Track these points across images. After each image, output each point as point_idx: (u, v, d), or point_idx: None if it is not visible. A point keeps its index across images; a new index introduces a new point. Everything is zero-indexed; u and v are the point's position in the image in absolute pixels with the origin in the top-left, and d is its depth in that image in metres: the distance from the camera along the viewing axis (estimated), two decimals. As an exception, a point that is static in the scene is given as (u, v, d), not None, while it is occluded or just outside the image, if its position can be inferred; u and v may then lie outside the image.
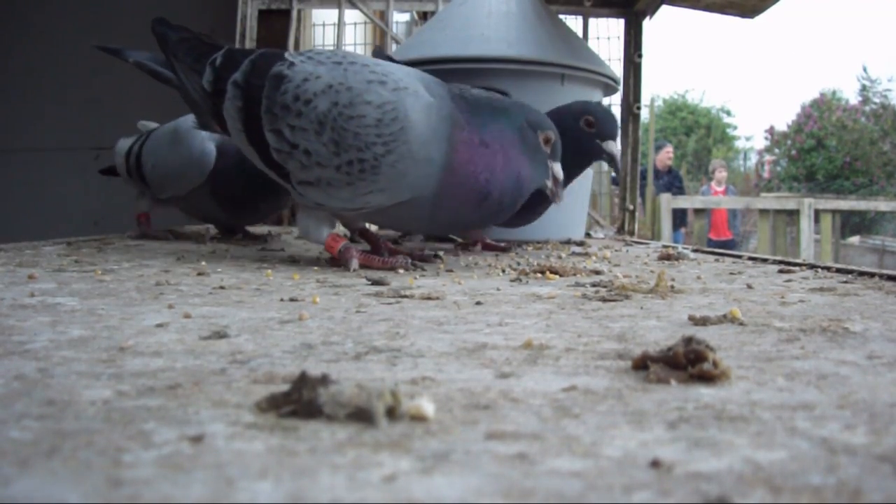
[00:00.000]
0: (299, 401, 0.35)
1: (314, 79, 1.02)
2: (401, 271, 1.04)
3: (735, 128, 19.50)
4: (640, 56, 3.01)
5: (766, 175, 16.05)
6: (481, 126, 1.04)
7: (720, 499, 0.26)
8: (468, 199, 1.05)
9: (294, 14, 2.99)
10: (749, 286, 0.92)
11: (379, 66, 1.06)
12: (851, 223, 11.21)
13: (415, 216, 1.09)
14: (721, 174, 7.54)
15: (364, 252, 1.10)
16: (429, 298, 0.77)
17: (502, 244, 1.51)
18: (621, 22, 3.05)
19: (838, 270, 1.11)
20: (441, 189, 1.03)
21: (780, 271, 1.12)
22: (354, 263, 1.05)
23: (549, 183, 1.11)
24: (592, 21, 3.06)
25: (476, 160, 1.03)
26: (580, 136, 1.33)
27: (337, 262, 1.09)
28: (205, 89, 1.08)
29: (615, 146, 1.36)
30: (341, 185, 1.01)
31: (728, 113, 19.34)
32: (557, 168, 1.11)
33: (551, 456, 0.30)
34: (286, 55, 1.07)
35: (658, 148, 6.97)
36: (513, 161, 1.06)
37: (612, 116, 1.39)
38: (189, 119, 1.51)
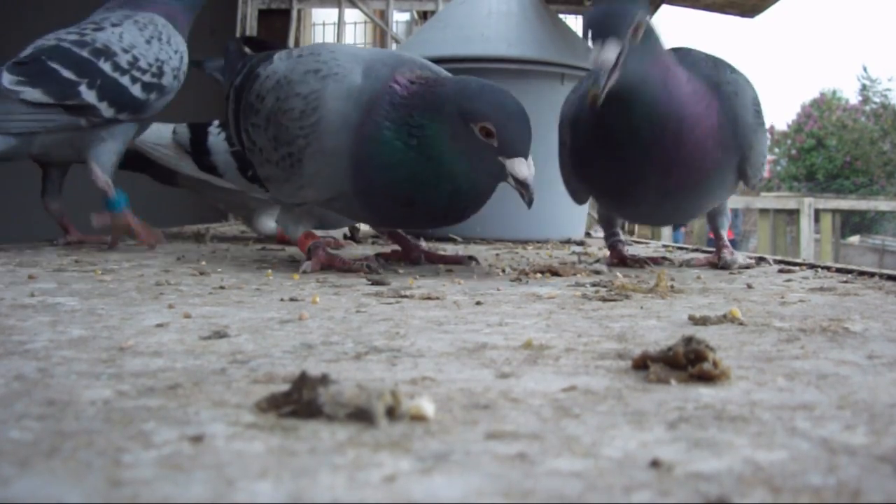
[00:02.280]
0: (299, 401, 0.35)
1: (272, 74, 1.01)
2: (363, 273, 0.98)
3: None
4: (640, 56, 3.00)
5: (766, 174, 16.04)
6: (397, 119, 0.93)
7: (720, 499, 0.26)
8: (392, 200, 0.96)
9: (294, 14, 2.99)
10: (749, 286, 0.92)
11: (333, 53, 1.01)
12: (851, 223, 11.21)
13: (357, 212, 1.05)
14: None
15: (330, 253, 1.04)
16: (429, 298, 0.77)
17: (458, 255, 1.17)
18: (621, 22, 3.04)
19: (838, 270, 1.11)
20: (358, 186, 0.96)
21: (780, 271, 1.12)
22: (306, 265, 0.99)
23: (512, 183, 0.93)
24: (592, 21, 3.06)
25: (384, 153, 0.93)
26: (475, 148, 0.93)
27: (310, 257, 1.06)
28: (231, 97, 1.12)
29: (525, 168, 0.91)
30: (281, 181, 1.01)
31: (728, 112, 19.30)
32: (518, 166, 0.91)
33: (551, 456, 0.30)
34: (276, 55, 1.06)
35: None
36: (441, 162, 0.93)
37: (521, 122, 0.93)
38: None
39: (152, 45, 1.31)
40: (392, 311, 0.68)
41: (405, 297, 0.78)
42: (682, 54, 1.07)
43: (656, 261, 1.20)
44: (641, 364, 0.45)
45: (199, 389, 0.40)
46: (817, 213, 6.93)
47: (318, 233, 1.14)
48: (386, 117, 0.93)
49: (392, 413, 0.35)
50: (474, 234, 1.82)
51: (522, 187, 0.92)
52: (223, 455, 0.30)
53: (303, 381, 0.36)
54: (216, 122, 1.62)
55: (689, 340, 0.45)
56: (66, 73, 1.21)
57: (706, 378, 0.43)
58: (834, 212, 7.42)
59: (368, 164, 0.94)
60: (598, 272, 1.06)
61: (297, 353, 0.49)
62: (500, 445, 0.32)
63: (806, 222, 6.59)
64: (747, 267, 1.16)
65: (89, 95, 1.23)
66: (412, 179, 0.93)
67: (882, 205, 8.85)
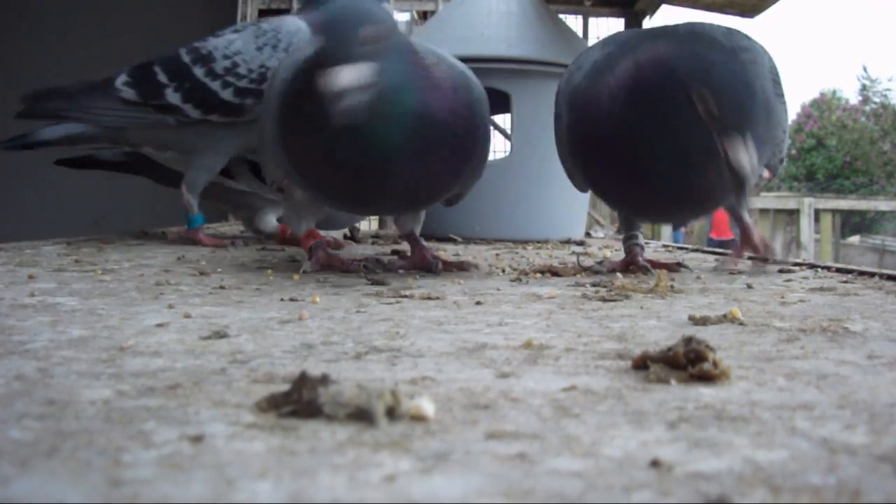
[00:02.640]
0: (299, 401, 0.35)
1: None
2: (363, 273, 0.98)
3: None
4: (640, 55, 3.00)
5: (765, 174, 16.02)
6: None
7: (720, 499, 0.26)
8: None
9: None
10: (749, 286, 0.92)
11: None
12: (851, 223, 11.22)
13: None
14: None
15: (329, 253, 1.05)
16: (429, 298, 0.77)
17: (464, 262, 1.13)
18: (621, 21, 3.05)
19: (838, 270, 1.11)
20: None
21: (780, 271, 1.12)
22: (307, 265, 1.00)
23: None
24: (592, 21, 3.06)
25: None
26: None
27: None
28: None
29: None
30: None
31: (728, 112, 19.31)
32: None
33: (551, 456, 0.30)
34: None
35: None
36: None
37: None
38: None
39: (262, 52, 1.38)
40: (392, 311, 0.68)
41: (405, 296, 0.78)
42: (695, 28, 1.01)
43: (671, 267, 1.11)
44: (641, 364, 0.45)
45: (199, 389, 0.40)
46: (817, 213, 6.94)
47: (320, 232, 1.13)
48: None
49: (392, 413, 0.35)
50: (474, 234, 1.82)
51: None
52: (223, 455, 0.30)
53: (303, 381, 0.36)
54: None
55: (689, 340, 0.45)
56: (161, 77, 1.36)
57: (706, 378, 0.43)
58: (834, 212, 7.42)
59: None
60: (597, 272, 1.06)
61: (297, 353, 0.49)
62: (500, 445, 0.32)
63: (806, 222, 6.59)
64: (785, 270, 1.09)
65: (174, 97, 1.36)
66: None
67: (882, 205, 8.85)
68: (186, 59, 1.39)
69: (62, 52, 3.26)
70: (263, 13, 3.01)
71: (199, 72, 1.37)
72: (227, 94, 1.36)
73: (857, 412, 0.37)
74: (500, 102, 1.83)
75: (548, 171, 1.74)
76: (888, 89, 15.53)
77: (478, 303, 0.75)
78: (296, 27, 1.39)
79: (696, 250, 1.70)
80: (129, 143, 1.45)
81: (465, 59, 1.81)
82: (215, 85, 1.37)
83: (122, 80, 1.37)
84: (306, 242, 1.07)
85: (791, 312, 0.70)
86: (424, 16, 3.28)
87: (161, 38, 1.89)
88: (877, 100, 15.50)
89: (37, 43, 3.34)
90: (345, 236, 1.74)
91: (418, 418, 0.35)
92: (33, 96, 1.43)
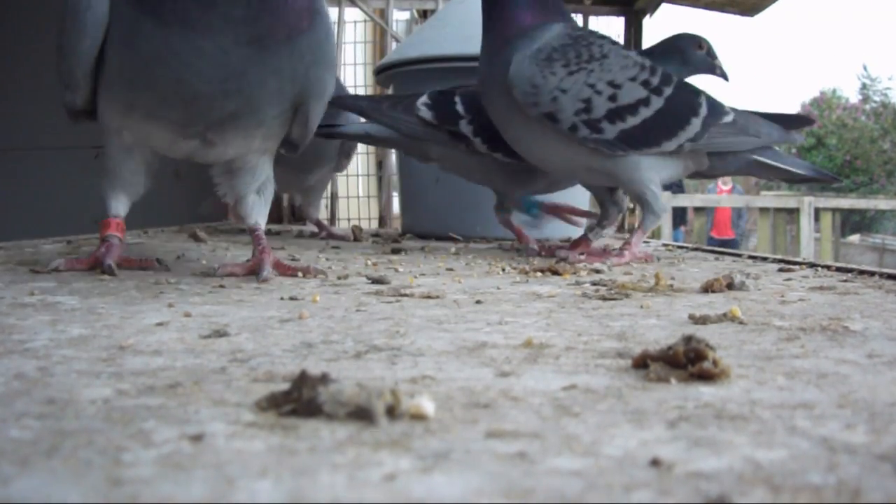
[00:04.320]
0: (299, 399, 0.35)
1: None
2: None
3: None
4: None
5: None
6: None
7: (720, 498, 0.26)
8: None
9: (294, 12, 2.98)
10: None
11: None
12: (851, 221, 11.21)
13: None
14: None
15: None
16: (429, 297, 0.77)
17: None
18: (621, 20, 3.04)
19: (838, 269, 1.11)
20: None
21: (780, 270, 1.12)
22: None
23: None
24: (592, 19, 3.06)
25: None
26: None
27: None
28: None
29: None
30: None
31: (728, 111, 19.33)
32: None
33: (551, 455, 0.30)
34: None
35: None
36: None
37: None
38: None
39: None
40: (392, 310, 0.68)
41: (405, 295, 0.78)
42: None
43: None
44: (641, 363, 0.45)
45: (199, 388, 0.40)
46: (817, 212, 6.93)
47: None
48: None
49: (392, 412, 0.35)
50: (474, 233, 1.82)
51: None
52: (223, 454, 0.30)
53: (303, 380, 0.36)
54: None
55: (689, 339, 0.45)
56: (459, 108, 1.49)
57: (706, 377, 0.43)
58: (834, 211, 7.41)
59: None
60: (597, 271, 1.06)
61: (297, 352, 0.49)
62: (500, 444, 0.32)
63: (806, 221, 6.58)
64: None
65: (467, 129, 1.48)
66: None
67: (882, 203, 8.84)
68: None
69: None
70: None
71: None
72: None
73: (857, 411, 0.37)
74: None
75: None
76: (888, 88, 15.54)
77: (478, 302, 0.75)
78: None
79: (696, 249, 1.70)
80: (424, 156, 1.57)
81: (465, 59, 1.82)
82: None
83: (422, 100, 1.50)
84: (103, 231, 0.95)
85: (791, 311, 0.70)
86: (424, 14, 3.27)
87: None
88: (877, 99, 15.50)
89: (33, 41, 3.33)
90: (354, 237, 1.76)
91: (418, 417, 0.35)
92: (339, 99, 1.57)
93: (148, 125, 0.88)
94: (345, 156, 1.92)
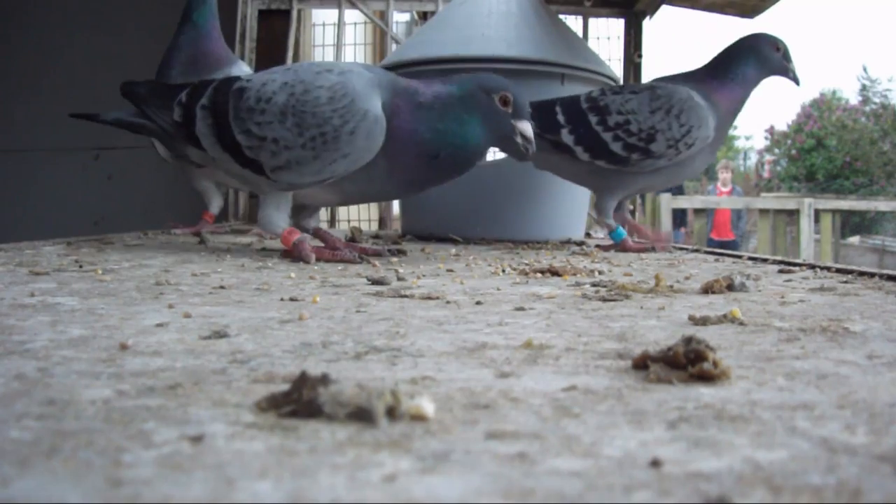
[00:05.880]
0: (299, 400, 0.35)
1: (270, 82, 1.21)
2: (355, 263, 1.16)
3: (735, 127, 19.53)
4: (640, 56, 3.00)
5: (766, 175, 16.06)
6: (420, 93, 1.19)
7: (720, 499, 0.26)
8: (418, 156, 1.18)
9: (294, 14, 2.98)
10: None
11: (324, 63, 1.25)
12: (851, 223, 11.20)
13: (376, 178, 1.22)
14: (725, 175, 7.56)
15: (316, 247, 1.21)
16: (429, 298, 0.77)
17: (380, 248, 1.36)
18: (621, 22, 3.04)
19: (838, 270, 1.11)
20: (389, 147, 1.17)
21: (780, 271, 1.12)
22: (312, 257, 1.16)
23: (519, 139, 1.20)
24: (592, 21, 3.06)
25: (414, 120, 1.17)
26: (493, 113, 1.20)
27: (290, 254, 1.21)
28: (176, 122, 1.27)
29: (530, 128, 1.21)
30: (308, 161, 1.18)
31: (728, 112, 19.32)
32: (525, 126, 1.20)
33: (551, 455, 0.30)
34: (241, 77, 1.27)
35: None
36: (462, 122, 1.17)
37: (525, 96, 1.24)
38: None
39: (654, 116, 1.55)
40: (392, 311, 0.68)
41: (405, 296, 0.78)
42: None
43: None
44: (641, 364, 0.45)
45: (199, 389, 0.40)
46: (817, 214, 6.92)
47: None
48: (416, 92, 1.18)
49: (392, 413, 0.35)
50: (474, 234, 1.82)
51: (527, 141, 1.20)
52: (223, 455, 0.30)
53: (303, 381, 0.36)
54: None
55: (689, 340, 0.45)
56: (560, 117, 1.57)
57: (706, 378, 0.43)
58: (834, 212, 7.40)
59: (403, 129, 1.17)
60: (598, 272, 1.06)
61: (297, 353, 0.49)
62: (500, 445, 0.32)
63: (806, 223, 6.58)
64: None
65: (568, 138, 1.56)
66: (441, 137, 1.17)
67: (882, 205, 8.84)
68: (585, 106, 1.58)
69: (62, 51, 3.26)
70: (263, 13, 3.01)
71: (593, 120, 1.56)
72: (616, 147, 1.55)
73: (857, 412, 0.37)
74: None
75: (548, 172, 1.74)
76: (888, 89, 15.55)
77: (478, 302, 0.75)
78: (685, 97, 1.56)
79: (696, 250, 1.70)
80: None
81: (465, 59, 1.82)
82: (606, 136, 1.55)
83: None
84: (289, 239, 1.21)
85: (791, 312, 0.70)
86: (424, 16, 3.27)
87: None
88: (877, 100, 15.51)
89: (33, 42, 3.34)
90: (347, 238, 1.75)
91: (418, 418, 0.35)
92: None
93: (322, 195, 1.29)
94: None
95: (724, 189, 7.53)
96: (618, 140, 1.55)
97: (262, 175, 1.21)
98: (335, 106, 1.16)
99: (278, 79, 1.21)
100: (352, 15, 3.11)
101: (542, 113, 1.56)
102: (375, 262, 1.18)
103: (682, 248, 1.83)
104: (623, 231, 1.64)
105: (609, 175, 1.61)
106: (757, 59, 1.60)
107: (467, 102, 1.18)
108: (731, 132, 19.26)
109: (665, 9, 2.91)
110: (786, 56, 1.60)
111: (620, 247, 1.61)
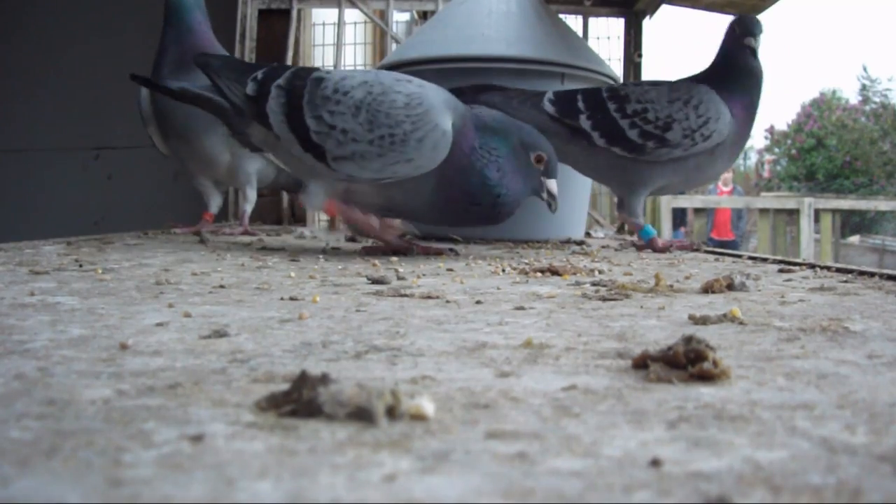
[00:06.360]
0: (299, 400, 0.35)
1: (350, 78, 1.28)
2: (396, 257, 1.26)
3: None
4: (639, 56, 3.00)
5: (766, 174, 16.06)
6: (478, 136, 1.25)
7: (720, 498, 0.26)
8: (462, 193, 1.24)
9: (294, 14, 2.98)
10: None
11: (405, 76, 1.31)
12: (851, 223, 11.21)
13: (423, 194, 1.27)
14: (726, 174, 7.57)
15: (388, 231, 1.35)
16: (429, 297, 0.77)
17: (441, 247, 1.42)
18: (621, 21, 3.04)
19: (838, 270, 1.11)
20: (446, 168, 1.22)
21: (780, 271, 1.12)
22: (373, 219, 1.30)
23: (545, 196, 1.30)
24: (592, 21, 3.06)
25: (471, 154, 1.23)
26: (528, 169, 1.29)
27: (334, 225, 1.27)
28: (248, 96, 1.31)
29: (556, 186, 1.31)
30: (373, 157, 1.23)
31: (728, 112, 19.33)
32: (553, 184, 1.30)
33: (551, 455, 0.30)
34: (322, 69, 1.34)
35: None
36: (504, 174, 1.25)
37: (556, 156, 1.34)
38: None
39: (672, 105, 1.58)
40: (392, 311, 0.68)
41: (405, 296, 0.78)
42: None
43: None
44: (641, 363, 0.45)
45: (199, 389, 0.40)
46: (817, 213, 6.92)
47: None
48: (472, 130, 1.25)
49: (392, 412, 0.35)
50: (475, 234, 1.82)
51: (552, 199, 1.31)
52: (223, 454, 0.30)
53: (303, 381, 0.36)
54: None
55: (689, 340, 0.45)
56: (580, 104, 1.60)
57: (706, 377, 0.43)
58: (834, 212, 7.41)
59: (461, 155, 1.23)
60: (598, 271, 1.06)
61: (297, 353, 0.49)
62: (500, 445, 0.32)
63: (806, 222, 6.58)
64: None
65: (586, 124, 1.59)
66: (486, 186, 1.24)
67: (882, 205, 8.84)
68: (604, 94, 1.62)
69: (62, 51, 3.26)
70: (263, 13, 3.01)
71: (611, 107, 1.59)
72: (632, 134, 1.57)
73: (857, 412, 0.37)
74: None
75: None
76: (888, 89, 15.55)
77: (478, 302, 0.75)
78: (705, 91, 1.60)
79: (696, 250, 1.69)
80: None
81: (465, 59, 1.82)
82: (623, 122, 1.58)
83: (548, 96, 1.61)
84: (333, 209, 1.35)
85: (791, 312, 0.70)
86: (424, 16, 3.27)
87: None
88: (877, 100, 15.51)
89: (33, 42, 3.33)
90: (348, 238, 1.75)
91: (418, 418, 0.35)
92: (475, 87, 1.68)
93: (367, 196, 1.32)
94: None
95: (724, 189, 7.54)
96: (634, 127, 1.57)
97: (321, 162, 1.25)
98: (409, 112, 1.22)
99: (358, 77, 1.28)
100: (352, 14, 3.11)
101: (564, 101, 1.60)
102: (375, 262, 1.18)
103: (681, 248, 1.83)
104: (651, 229, 1.65)
105: (627, 167, 1.62)
106: (726, 55, 1.66)
107: (512, 158, 1.25)
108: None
109: (665, 8, 2.91)
110: (745, 32, 1.62)
111: (650, 244, 1.63)
